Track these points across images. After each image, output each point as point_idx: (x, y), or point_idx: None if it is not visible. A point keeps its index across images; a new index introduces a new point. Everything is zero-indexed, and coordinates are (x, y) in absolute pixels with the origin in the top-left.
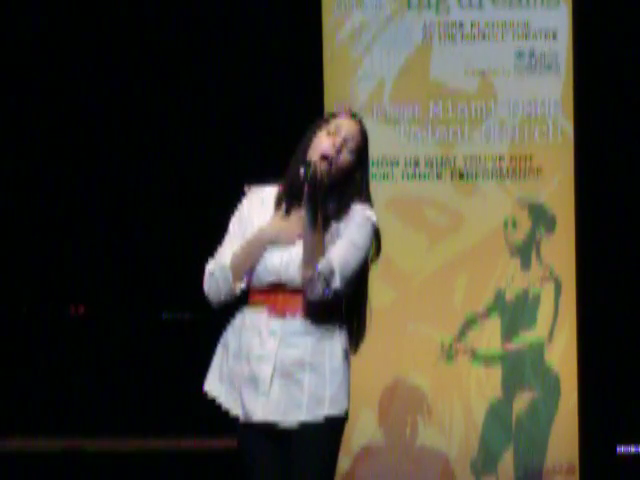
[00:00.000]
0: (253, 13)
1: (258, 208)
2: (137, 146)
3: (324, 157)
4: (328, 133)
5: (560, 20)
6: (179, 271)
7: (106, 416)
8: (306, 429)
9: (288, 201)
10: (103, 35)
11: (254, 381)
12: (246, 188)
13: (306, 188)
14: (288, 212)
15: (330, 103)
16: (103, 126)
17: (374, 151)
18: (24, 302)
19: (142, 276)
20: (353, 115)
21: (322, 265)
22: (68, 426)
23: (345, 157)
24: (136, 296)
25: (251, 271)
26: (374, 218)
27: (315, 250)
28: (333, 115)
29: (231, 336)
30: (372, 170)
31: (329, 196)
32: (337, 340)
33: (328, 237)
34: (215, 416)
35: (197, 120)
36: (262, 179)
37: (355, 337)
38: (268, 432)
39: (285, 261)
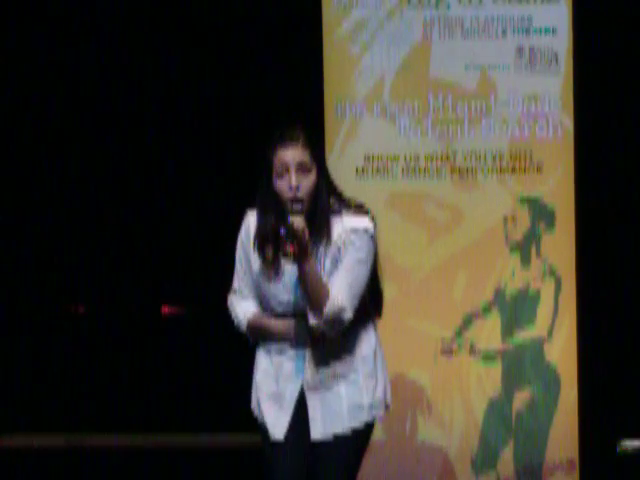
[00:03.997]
0: (253, 10)
1: (245, 236)
2: (136, 142)
3: (295, 200)
4: (280, 176)
5: (560, 16)
6: (179, 266)
7: (107, 412)
8: (342, 438)
9: (265, 246)
10: (99, 30)
11: (281, 400)
12: (247, 212)
13: (293, 249)
14: (267, 253)
15: (330, 100)
16: (102, 121)
17: (374, 147)
18: (24, 298)
19: (142, 270)
20: (287, 136)
21: (328, 308)
22: (69, 422)
23: (308, 181)
24: (136, 291)
25: (265, 302)
26: (370, 226)
27: (318, 299)
28: (273, 151)
29: (262, 355)
30: (372, 166)
31: (308, 218)
32: (364, 341)
33: (329, 263)
34: (216, 412)
35: (195, 117)
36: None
37: (377, 305)
38: (299, 445)
39: (296, 297)
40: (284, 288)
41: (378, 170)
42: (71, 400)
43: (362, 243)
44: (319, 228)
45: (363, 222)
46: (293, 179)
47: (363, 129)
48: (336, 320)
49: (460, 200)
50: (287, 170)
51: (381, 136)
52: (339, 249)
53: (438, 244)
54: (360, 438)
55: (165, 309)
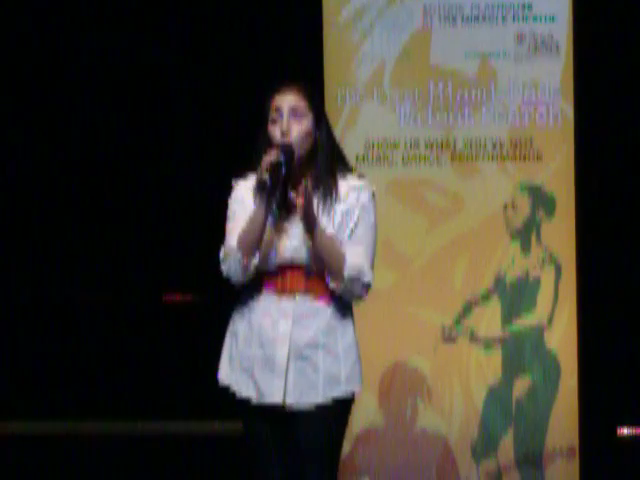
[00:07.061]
0: None
1: (248, 195)
2: (136, 130)
3: (285, 148)
4: (274, 122)
5: (560, 3)
6: (180, 253)
7: (106, 399)
8: (318, 409)
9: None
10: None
11: (269, 364)
12: (233, 183)
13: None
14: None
15: (330, 86)
16: (100, 110)
17: (374, 134)
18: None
19: (143, 258)
20: (283, 84)
21: (348, 273)
22: (67, 409)
23: (300, 127)
24: (137, 278)
25: (262, 255)
26: (374, 187)
27: (335, 263)
28: (270, 99)
29: (239, 322)
30: (372, 153)
31: (312, 174)
32: (347, 317)
33: (339, 219)
34: (216, 399)
35: (195, 105)
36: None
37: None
38: (278, 413)
39: (295, 244)
40: (286, 234)
41: (378, 157)
42: (69, 387)
43: (371, 206)
44: (323, 182)
45: (370, 184)
46: (285, 123)
47: (363, 116)
48: (356, 281)
49: (460, 187)
50: (281, 115)
51: (381, 123)
52: (349, 207)
53: (438, 231)
54: (337, 411)
55: (166, 296)
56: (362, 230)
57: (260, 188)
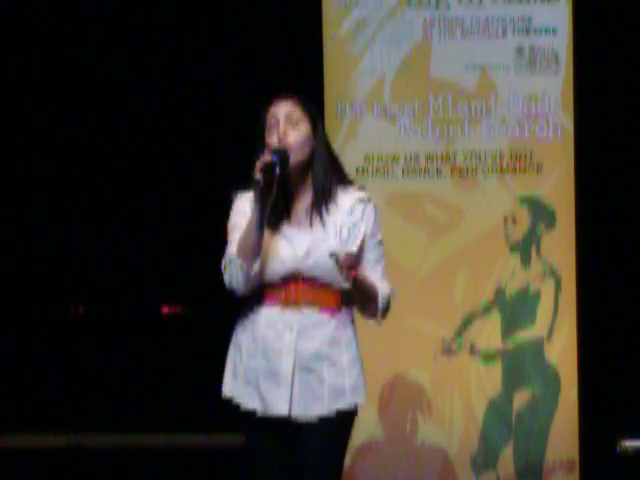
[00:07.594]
0: (253, 10)
1: (250, 207)
2: (136, 142)
3: (278, 149)
4: (271, 129)
5: (560, 16)
6: (179, 266)
7: (107, 412)
8: (323, 421)
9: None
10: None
11: (274, 375)
12: (233, 195)
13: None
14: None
15: (330, 100)
16: (101, 119)
17: (374, 147)
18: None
19: (142, 270)
20: (280, 93)
21: (381, 302)
22: (69, 423)
23: (297, 133)
24: (136, 290)
25: (264, 263)
26: (373, 199)
27: (373, 301)
28: (266, 108)
29: (242, 335)
30: (372, 166)
31: (311, 182)
32: (350, 328)
33: (346, 232)
34: (215, 412)
35: (195, 116)
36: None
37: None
38: (282, 425)
39: (301, 252)
40: (290, 243)
41: (378, 170)
42: (71, 400)
43: (377, 224)
44: (324, 191)
45: (372, 197)
46: (281, 128)
47: (363, 129)
48: (388, 306)
49: (460, 200)
50: (277, 123)
51: (381, 136)
52: (355, 221)
53: (438, 244)
54: (341, 423)
55: (165, 309)
56: (375, 252)
57: (253, 188)
